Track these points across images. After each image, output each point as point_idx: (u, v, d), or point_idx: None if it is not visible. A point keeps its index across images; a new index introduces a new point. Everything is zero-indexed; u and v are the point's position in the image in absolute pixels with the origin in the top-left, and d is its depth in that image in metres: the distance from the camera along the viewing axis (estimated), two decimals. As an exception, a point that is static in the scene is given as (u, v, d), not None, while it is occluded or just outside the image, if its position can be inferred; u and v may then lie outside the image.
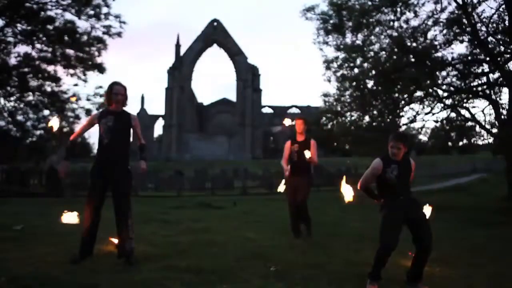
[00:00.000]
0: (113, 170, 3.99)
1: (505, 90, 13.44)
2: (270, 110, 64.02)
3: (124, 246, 3.97)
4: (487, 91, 13.90)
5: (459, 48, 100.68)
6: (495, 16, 12.62)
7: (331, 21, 14.37)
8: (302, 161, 5.34)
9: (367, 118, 14.62)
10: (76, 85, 18.17)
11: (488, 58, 13.10)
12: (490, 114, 14.13)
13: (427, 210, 3.66)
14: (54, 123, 5.34)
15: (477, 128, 15.80)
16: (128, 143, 4.16)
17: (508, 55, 13.06)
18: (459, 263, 4.39)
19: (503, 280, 3.84)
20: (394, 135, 3.59)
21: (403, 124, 15.44)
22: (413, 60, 13.21)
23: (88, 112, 18.23)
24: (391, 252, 3.44)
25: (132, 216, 4.09)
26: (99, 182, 4.00)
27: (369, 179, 3.59)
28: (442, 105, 14.48)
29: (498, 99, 13.81)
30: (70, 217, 4.81)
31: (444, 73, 14.10)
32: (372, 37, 14.02)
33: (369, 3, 13.42)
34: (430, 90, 13.96)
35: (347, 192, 3.39)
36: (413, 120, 14.69)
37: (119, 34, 17.83)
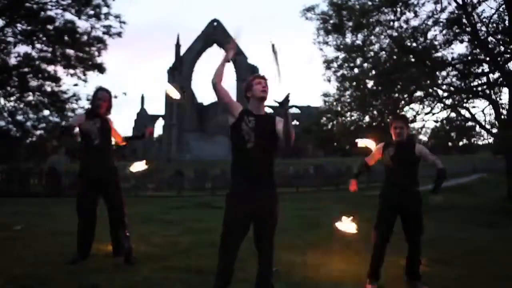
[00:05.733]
0: (104, 171, 4.00)
1: (505, 90, 13.45)
2: (270, 110, 63.98)
3: (122, 245, 3.97)
4: (487, 91, 13.89)
5: (459, 48, 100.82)
6: (495, 16, 12.65)
7: (331, 21, 14.37)
8: (264, 157, 2.59)
9: (367, 118, 14.62)
10: (76, 85, 18.16)
11: (488, 58, 13.09)
12: (490, 114, 14.13)
13: (438, 198, 3.63)
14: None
15: (477, 128, 15.85)
16: (112, 144, 4.26)
17: (508, 55, 13.06)
18: (459, 263, 4.39)
19: (503, 280, 3.84)
20: (394, 116, 3.64)
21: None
22: (413, 60, 13.22)
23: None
24: (384, 246, 3.43)
25: (127, 214, 4.10)
26: (90, 184, 4.00)
27: (372, 156, 3.72)
28: (442, 105, 14.48)
29: (498, 99, 13.82)
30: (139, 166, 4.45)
31: (444, 73, 14.11)
32: (372, 37, 14.03)
33: (369, 3, 13.42)
34: (430, 90, 13.95)
35: (348, 227, 3.22)
36: (413, 120, 14.68)
37: (119, 34, 17.82)
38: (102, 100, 4.08)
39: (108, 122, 4.13)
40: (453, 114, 15.29)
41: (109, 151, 4.16)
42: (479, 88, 14.09)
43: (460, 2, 12.49)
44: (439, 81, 14.06)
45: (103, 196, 4.04)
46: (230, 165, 2.68)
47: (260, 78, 2.76)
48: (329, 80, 14.84)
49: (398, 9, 13.22)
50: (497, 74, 13.49)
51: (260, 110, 2.73)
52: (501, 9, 12.41)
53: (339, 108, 14.95)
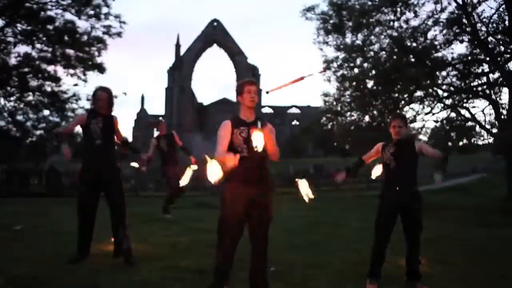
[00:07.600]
0: (106, 171, 3.99)
1: (505, 90, 13.46)
2: (270, 110, 64.05)
3: (121, 246, 3.96)
4: (487, 91, 13.90)
5: (459, 48, 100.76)
6: (495, 16, 12.68)
7: (331, 21, 14.38)
8: (258, 163, 2.83)
9: (367, 118, 14.63)
10: (76, 85, 18.17)
11: (488, 58, 13.10)
12: (490, 114, 14.14)
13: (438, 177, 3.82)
14: None
15: (477, 128, 15.81)
16: (114, 143, 4.24)
17: (508, 55, 13.06)
18: (459, 263, 4.39)
19: (503, 280, 3.84)
20: (393, 115, 3.67)
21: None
22: (413, 60, 13.23)
23: (88, 112, 18.23)
24: (384, 246, 3.43)
25: (127, 215, 4.09)
26: (91, 184, 4.00)
27: (369, 154, 3.72)
28: (442, 105, 14.50)
29: (498, 99, 13.84)
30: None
31: (444, 73, 14.12)
32: (372, 37, 14.04)
33: (369, 3, 13.43)
34: (430, 90, 13.97)
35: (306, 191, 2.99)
36: (413, 120, 14.68)
37: (119, 34, 17.83)
38: (101, 100, 4.06)
39: (111, 121, 4.09)
40: (453, 114, 15.30)
41: (112, 151, 4.13)
42: (479, 88, 14.10)
43: (460, 2, 12.50)
44: (439, 81, 14.08)
45: (105, 196, 4.04)
46: None
47: (250, 85, 2.82)
48: (329, 80, 14.86)
49: (398, 9, 13.23)
50: (497, 74, 13.50)
51: (251, 116, 2.87)
52: (501, 9, 12.44)
53: (339, 108, 14.97)
